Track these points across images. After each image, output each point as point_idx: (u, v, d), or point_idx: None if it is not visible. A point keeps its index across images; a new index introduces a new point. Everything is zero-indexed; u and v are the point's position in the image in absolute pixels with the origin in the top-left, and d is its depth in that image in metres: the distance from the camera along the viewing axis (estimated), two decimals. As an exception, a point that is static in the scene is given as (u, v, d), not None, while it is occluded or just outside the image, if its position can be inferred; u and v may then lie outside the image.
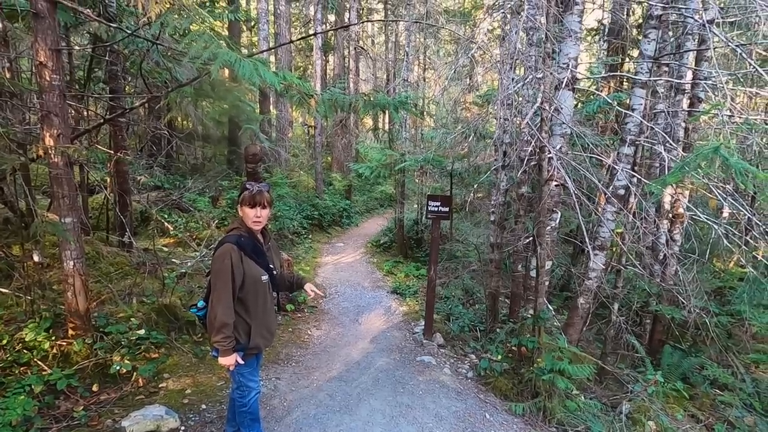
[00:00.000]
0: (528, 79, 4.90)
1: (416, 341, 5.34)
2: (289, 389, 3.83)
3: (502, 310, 6.64)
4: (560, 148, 4.27)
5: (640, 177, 4.29)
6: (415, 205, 11.79)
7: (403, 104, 3.68)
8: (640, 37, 10.17)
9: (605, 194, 4.51)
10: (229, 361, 2.28)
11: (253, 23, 14.52)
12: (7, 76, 3.40)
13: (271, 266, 2.46)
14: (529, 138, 4.78)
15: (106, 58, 5.02)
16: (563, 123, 4.39)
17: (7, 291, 3.53)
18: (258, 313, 2.39)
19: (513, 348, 4.65)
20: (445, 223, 10.49)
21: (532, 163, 4.64)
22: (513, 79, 4.97)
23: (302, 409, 3.50)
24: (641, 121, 4.80)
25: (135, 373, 3.39)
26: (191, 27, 3.37)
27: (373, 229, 13.00)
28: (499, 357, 4.58)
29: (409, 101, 3.62)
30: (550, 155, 4.04)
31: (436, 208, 5.23)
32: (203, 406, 3.35)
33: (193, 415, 3.21)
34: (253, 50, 11.70)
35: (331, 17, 19.74)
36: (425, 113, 12.44)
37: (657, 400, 4.22)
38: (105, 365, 3.35)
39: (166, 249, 6.52)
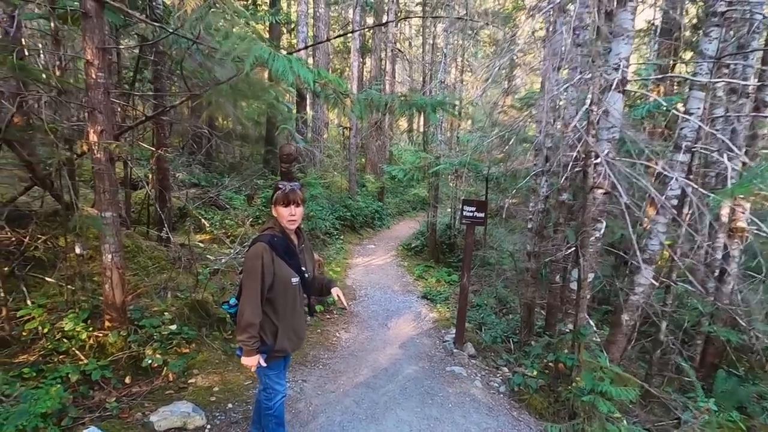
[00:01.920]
0: (574, 81, 4.63)
1: (446, 350, 5.16)
2: (315, 393, 3.76)
3: (538, 322, 6.34)
4: (608, 153, 3.99)
5: (696, 187, 3.94)
6: (449, 209, 11.56)
7: (441, 105, 3.54)
8: (694, 38, 9.54)
9: (658, 204, 4.18)
10: (251, 361, 2.23)
11: (292, 26, 14.76)
12: (57, 74, 3.52)
13: (303, 268, 2.39)
14: (574, 142, 4.52)
15: (152, 58, 5.17)
16: (612, 127, 4.10)
17: (51, 280, 3.66)
18: (286, 316, 2.33)
19: (549, 364, 4.39)
20: (479, 229, 10.22)
21: (576, 169, 4.37)
22: (557, 80, 4.71)
23: (327, 414, 3.42)
24: (699, 127, 4.43)
25: (166, 368, 3.41)
26: (234, 30, 3.39)
27: (405, 231, 12.87)
28: (535, 372, 4.33)
29: (447, 102, 3.46)
30: (597, 161, 3.78)
31: (471, 214, 5.04)
32: (230, 405, 3.33)
33: (219, 414, 3.20)
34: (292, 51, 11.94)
35: (370, 20, 19.82)
36: (462, 115, 12.18)
37: (710, 431, 3.85)
38: (138, 358, 3.40)
39: (201, 245, 6.66)
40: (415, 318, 6.33)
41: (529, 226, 6.32)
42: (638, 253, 4.13)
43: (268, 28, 11.96)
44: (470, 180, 9.97)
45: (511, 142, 8.50)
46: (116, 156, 3.20)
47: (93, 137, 3.12)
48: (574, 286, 4.68)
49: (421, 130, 22.28)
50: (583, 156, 3.99)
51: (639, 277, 4.65)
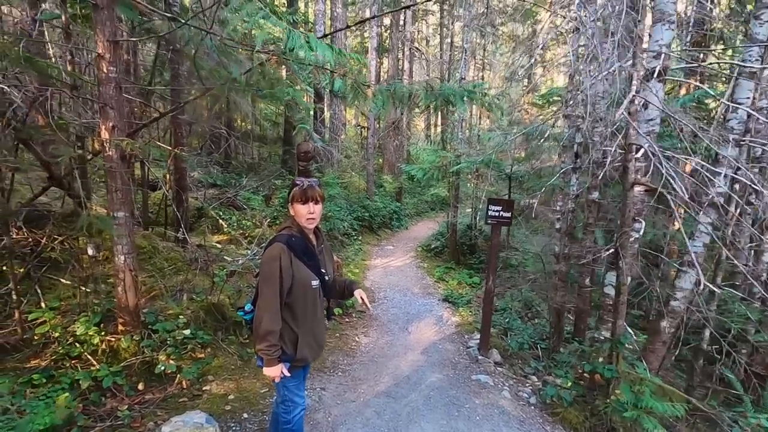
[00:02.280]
0: (607, 71, 4.32)
1: (471, 357, 4.90)
2: (335, 402, 3.56)
3: (566, 327, 6.01)
4: (649, 146, 3.67)
5: (749, 183, 3.59)
6: (468, 209, 11.26)
7: (470, 94, 3.27)
8: (725, 30, 9.02)
9: (705, 203, 3.84)
10: (274, 372, 2.05)
11: (310, 26, 14.68)
12: (69, 68, 3.42)
13: (323, 270, 2.20)
14: (609, 136, 4.20)
15: (169, 56, 5.07)
16: (651, 119, 3.78)
17: (65, 281, 3.56)
18: (306, 322, 2.14)
19: (584, 374, 4.08)
20: (501, 230, 9.91)
21: (616, 164, 4.04)
22: (589, 71, 4.40)
23: (348, 426, 3.21)
24: (748, 118, 4.06)
25: (179, 375, 3.26)
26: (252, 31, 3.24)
27: (423, 232, 12.61)
28: (569, 384, 4.03)
29: (477, 90, 3.19)
30: (638, 155, 3.47)
31: (496, 213, 4.77)
32: (245, 415, 3.15)
33: (234, 425, 3.02)
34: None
35: (387, 20, 19.62)
36: (492, 106, 11.80)
37: (765, 451, 3.49)
38: (152, 364, 3.26)
39: (219, 246, 6.56)
40: (437, 322, 6.07)
41: (558, 226, 6.00)
42: (691, 255, 3.78)
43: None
44: (491, 179, 9.66)
45: (535, 140, 8.18)
46: (129, 154, 3.07)
47: (105, 134, 2.99)
48: (608, 290, 4.37)
49: (439, 130, 21.96)
50: (622, 150, 3.68)
51: (681, 281, 4.30)
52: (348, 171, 15.22)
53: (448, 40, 18.21)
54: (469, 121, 14.23)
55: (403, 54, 17.53)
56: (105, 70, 2.95)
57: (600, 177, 4.59)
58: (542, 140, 8.02)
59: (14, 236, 3.28)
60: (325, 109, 13.70)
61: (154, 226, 5.77)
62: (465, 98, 3.00)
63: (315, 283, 2.13)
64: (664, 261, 5.18)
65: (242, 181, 8.20)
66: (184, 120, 5.49)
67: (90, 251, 3.55)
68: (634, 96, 3.19)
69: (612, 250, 3.71)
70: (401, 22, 16.56)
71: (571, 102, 5.81)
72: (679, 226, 3.33)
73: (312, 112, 9.64)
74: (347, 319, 5.72)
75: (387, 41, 19.00)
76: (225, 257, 5.93)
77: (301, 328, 2.13)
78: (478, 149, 9.80)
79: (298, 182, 2.13)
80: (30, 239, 3.60)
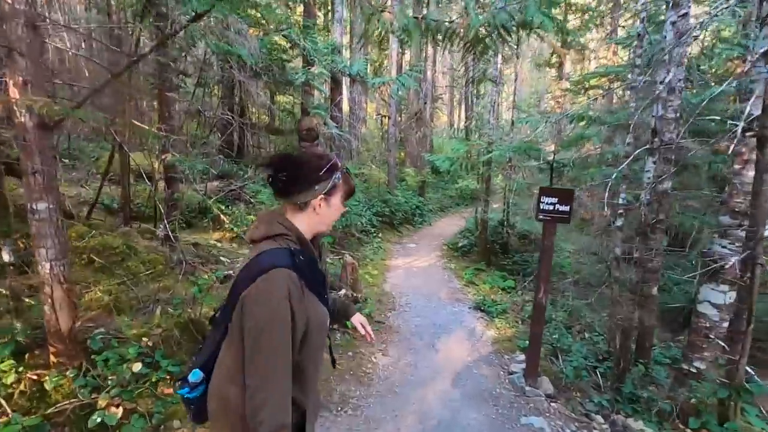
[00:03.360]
0: (713, 14, 3.15)
1: (515, 387, 3.85)
2: (340, 462, 2.59)
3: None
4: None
5: None
6: (495, 205, 10.13)
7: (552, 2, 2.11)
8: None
9: None
10: None
11: (329, 8, 13.71)
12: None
13: (326, 297, 1.28)
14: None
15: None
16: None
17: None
18: (316, 384, 1.29)
19: (678, 424, 2.98)
20: (532, 225, 8.73)
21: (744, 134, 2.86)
22: (686, 14, 3.25)
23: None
24: None
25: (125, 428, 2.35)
26: None
27: (448, 229, 11.52)
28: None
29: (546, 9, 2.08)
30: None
31: (551, 207, 3.68)
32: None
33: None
34: (327, 35, 10.80)
35: (409, 12, 18.44)
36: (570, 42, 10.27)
37: None
38: (93, 409, 2.36)
39: (219, 244, 5.70)
40: (469, 336, 5.03)
41: (618, 223, 4.84)
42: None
43: (302, 10, 10.98)
44: (525, 171, 8.49)
45: (578, 124, 6.99)
46: (52, 121, 2.15)
47: (13, 91, 2.09)
48: (705, 309, 3.23)
49: (462, 125, 20.67)
50: (749, 118, 2.54)
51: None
52: (368, 163, 14.25)
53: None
54: (497, 111, 12.92)
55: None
56: (10, 1, 2.04)
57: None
58: (586, 124, 6.83)
59: None
60: (344, 96, 12.74)
61: (140, 222, 4.94)
62: (542, 14, 1.93)
63: (328, 321, 1.28)
64: None
65: (250, 173, 7.34)
66: (172, 97, 4.61)
67: (5, 256, 2.69)
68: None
69: (734, 259, 2.59)
70: (424, 9, 15.39)
71: (638, 67, 4.63)
72: None
73: (328, 98, 8.70)
74: (362, 334, 4.75)
75: (409, 29, 17.83)
76: (222, 258, 5.05)
77: (310, 396, 1.25)
78: (511, 137, 8.64)
79: (339, 164, 1.23)
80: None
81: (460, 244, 9.10)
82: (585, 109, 6.96)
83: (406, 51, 19.85)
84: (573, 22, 16.41)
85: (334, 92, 10.80)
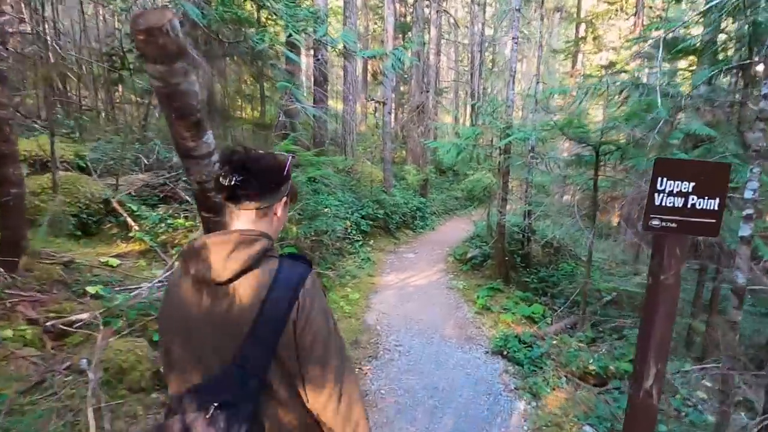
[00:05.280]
0: None
1: None
2: None
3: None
4: None
5: None
6: (510, 206, 8.12)
7: None
8: None
9: None
10: None
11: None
12: None
13: None
14: None
15: None
16: None
17: None
18: None
19: None
20: (560, 231, 6.70)
21: None
22: None
23: None
24: None
25: None
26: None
27: (454, 235, 9.51)
28: None
29: None
30: None
31: (678, 203, 1.68)
32: None
33: None
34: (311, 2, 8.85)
35: None
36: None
37: None
38: None
39: (119, 262, 3.75)
40: (491, 415, 3.04)
41: (746, 231, 2.83)
42: None
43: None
44: (550, 163, 6.47)
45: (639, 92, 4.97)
46: None
47: None
48: None
49: (466, 119, 18.61)
50: None
51: None
52: (363, 160, 12.32)
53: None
54: (513, 87, 10.82)
55: (428, 29, 14.37)
56: None
57: None
58: (647, 94, 4.81)
59: None
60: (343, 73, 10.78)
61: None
62: None
63: None
64: None
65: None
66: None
67: None
68: None
69: None
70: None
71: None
72: None
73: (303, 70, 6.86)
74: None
75: (409, 18, 15.78)
76: (116, 283, 3.13)
77: None
78: (533, 117, 6.64)
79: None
80: None
81: (469, 255, 7.08)
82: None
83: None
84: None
85: (317, 65, 8.88)
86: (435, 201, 12.50)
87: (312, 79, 8.46)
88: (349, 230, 6.72)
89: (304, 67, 10.84)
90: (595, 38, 14.56)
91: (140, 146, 5.61)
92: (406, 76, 15.54)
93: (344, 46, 7.93)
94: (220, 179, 0.89)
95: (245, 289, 0.85)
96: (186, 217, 4.59)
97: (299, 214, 5.13)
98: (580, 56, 15.60)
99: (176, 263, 3.46)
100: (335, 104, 15.32)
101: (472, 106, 15.87)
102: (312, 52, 8.67)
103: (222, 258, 0.84)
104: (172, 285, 0.93)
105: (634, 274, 6.34)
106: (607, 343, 4.41)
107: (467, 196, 14.03)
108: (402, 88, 16.47)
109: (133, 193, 4.74)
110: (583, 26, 14.93)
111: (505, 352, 4.04)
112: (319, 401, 0.88)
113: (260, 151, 0.97)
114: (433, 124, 13.38)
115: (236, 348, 0.83)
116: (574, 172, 5.82)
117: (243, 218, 0.92)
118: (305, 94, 8.92)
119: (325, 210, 6.48)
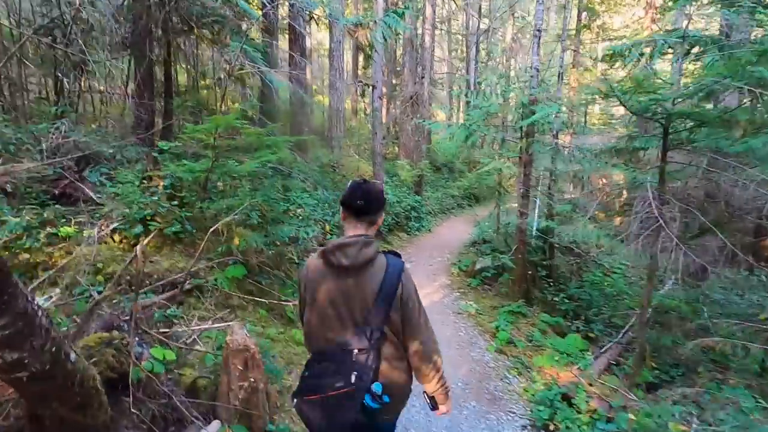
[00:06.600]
0: None
1: None
2: None
3: None
4: None
5: None
6: (514, 204, 6.70)
7: None
8: None
9: None
10: (450, 405, 1.51)
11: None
12: None
13: None
14: None
15: None
16: None
17: None
18: None
19: None
20: (584, 234, 5.29)
21: None
22: None
23: None
24: None
25: None
26: None
27: (454, 237, 8.06)
28: None
29: None
30: None
31: None
32: None
33: None
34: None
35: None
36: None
37: None
38: None
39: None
40: None
41: None
42: None
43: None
44: (576, 157, 5.05)
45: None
46: None
47: None
48: None
49: (460, 116, 17.16)
50: None
51: None
52: (351, 153, 10.82)
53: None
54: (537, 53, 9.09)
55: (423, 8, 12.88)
56: None
57: None
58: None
59: None
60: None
61: None
62: None
63: None
64: None
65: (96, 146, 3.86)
66: None
67: None
68: None
69: None
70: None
71: None
72: None
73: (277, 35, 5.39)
74: None
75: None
76: None
77: None
78: (557, 89, 5.19)
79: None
80: None
81: (478, 266, 5.59)
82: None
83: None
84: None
85: (294, 38, 7.38)
86: (430, 199, 11.05)
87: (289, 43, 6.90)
88: (328, 235, 5.24)
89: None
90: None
91: (48, 124, 4.04)
92: (398, 68, 14.10)
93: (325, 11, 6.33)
94: (350, 202, 1.38)
95: (371, 274, 1.32)
96: (79, 223, 3.07)
97: (260, 218, 3.66)
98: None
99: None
100: (322, 99, 13.82)
101: (467, 102, 14.43)
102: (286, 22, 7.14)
103: (356, 252, 1.31)
104: (313, 270, 1.37)
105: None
106: (692, 405, 2.97)
107: (464, 194, 12.61)
108: (394, 81, 14.99)
109: (8, 188, 3.20)
110: None
111: (552, 427, 2.61)
112: (413, 346, 1.34)
113: (373, 182, 1.51)
114: (426, 123, 11.87)
115: (366, 312, 1.30)
116: (618, 160, 4.41)
117: (359, 226, 1.39)
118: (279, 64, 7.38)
119: (298, 211, 5.00)
